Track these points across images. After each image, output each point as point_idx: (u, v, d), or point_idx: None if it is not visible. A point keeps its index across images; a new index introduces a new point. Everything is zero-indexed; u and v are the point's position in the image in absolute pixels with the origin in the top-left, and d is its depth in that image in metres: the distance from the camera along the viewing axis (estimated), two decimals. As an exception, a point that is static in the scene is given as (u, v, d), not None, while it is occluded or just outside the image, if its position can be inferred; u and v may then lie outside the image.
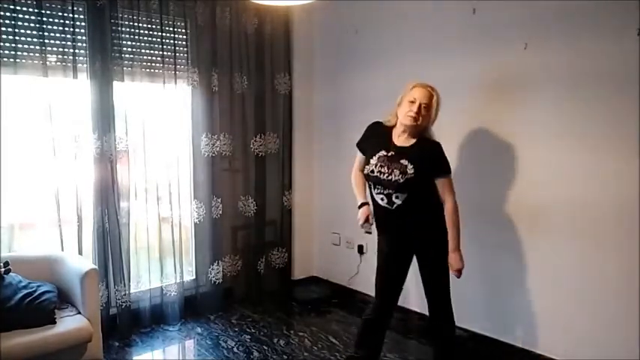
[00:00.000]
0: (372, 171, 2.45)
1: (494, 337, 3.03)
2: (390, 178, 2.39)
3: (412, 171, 2.36)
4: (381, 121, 2.55)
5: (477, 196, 3.01)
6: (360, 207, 2.55)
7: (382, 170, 2.42)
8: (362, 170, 2.57)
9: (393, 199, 2.42)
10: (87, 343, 2.55)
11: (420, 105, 2.34)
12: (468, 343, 3.10)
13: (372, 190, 2.50)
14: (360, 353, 2.63)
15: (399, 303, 2.62)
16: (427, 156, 2.40)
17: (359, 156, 2.62)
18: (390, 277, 2.56)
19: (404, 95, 2.41)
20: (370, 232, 2.58)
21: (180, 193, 3.53)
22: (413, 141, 2.43)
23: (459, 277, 2.43)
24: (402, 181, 2.36)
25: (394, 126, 2.48)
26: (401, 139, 2.45)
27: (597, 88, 2.50)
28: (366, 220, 2.53)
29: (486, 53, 2.94)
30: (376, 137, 2.52)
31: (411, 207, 2.42)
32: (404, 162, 2.38)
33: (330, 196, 4.11)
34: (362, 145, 2.60)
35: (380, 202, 2.47)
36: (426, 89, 2.37)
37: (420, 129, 2.41)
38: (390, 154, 2.43)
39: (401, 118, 2.41)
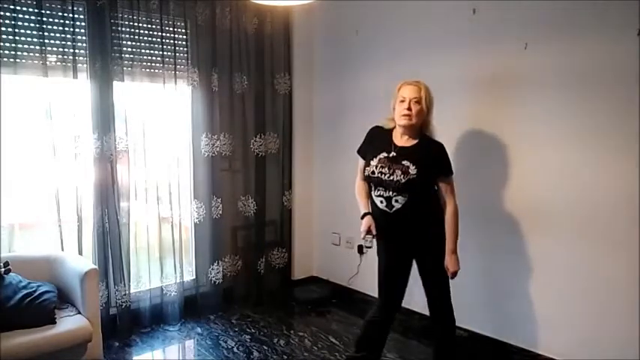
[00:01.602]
0: (373, 172, 2.43)
1: (494, 337, 3.03)
2: (391, 178, 2.36)
3: (415, 172, 2.34)
4: (380, 125, 2.54)
5: (478, 195, 3.01)
6: (362, 217, 2.49)
7: (383, 171, 2.39)
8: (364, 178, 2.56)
9: (393, 202, 2.39)
10: (87, 343, 2.55)
11: (410, 102, 2.34)
12: (468, 343, 3.10)
13: (373, 192, 2.48)
14: (360, 354, 2.62)
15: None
16: (430, 156, 2.38)
17: (360, 163, 2.59)
18: (393, 280, 2.54)
19: (394, 98, 2.42)
20: (370, 247, 2.54)
21: (180, 193, 3.53)
22: (415, 141, 2.41)
23: (452, 278, 2.43)
24: (403, 181, 2.34)
25: (394, 128, 2.47)
26: (402, 140, 2.43)
27: (597, 88, 2.50)
28: (368, 231, 2.46)
29: (486, 53, 2.94)
30: (377, 141, 2.51)
31: (409, 212, 2.39)
32: (406, 163, 2.36)
33: (330, 196, 4.11)
34: (362, 151, 2.58)
35: (379, 204, 2.44)
36: (413, 85, 2.37)
37: (418, 127, 2.39)
38: (391, 155, 2.41)
39: (397, 120, 2.41)
